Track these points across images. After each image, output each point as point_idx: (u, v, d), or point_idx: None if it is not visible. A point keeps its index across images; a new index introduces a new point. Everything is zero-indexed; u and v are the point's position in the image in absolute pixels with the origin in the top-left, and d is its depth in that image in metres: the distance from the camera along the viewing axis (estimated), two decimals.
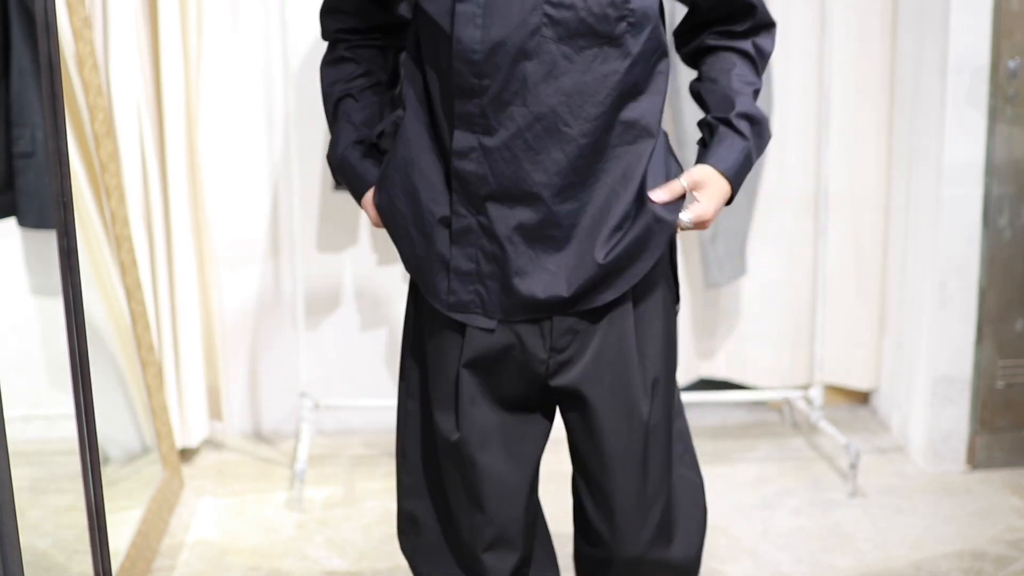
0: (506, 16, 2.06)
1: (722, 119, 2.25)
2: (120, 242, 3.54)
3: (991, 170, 3.77)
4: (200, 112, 3.86)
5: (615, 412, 2.26)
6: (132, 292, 3.58)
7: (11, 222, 3.65)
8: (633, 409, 2.27)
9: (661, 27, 2.18)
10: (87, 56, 3.44)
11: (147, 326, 3.64)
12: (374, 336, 4.33)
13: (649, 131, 2.18)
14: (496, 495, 2.32)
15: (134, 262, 3.60)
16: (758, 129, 2.27)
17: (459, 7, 2.07)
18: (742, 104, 2.25)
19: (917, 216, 4.01)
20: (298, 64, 4.02)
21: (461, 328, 2.22)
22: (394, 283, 4.26)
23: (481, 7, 2.06)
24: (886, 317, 4.34)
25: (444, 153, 2.19)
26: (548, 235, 2.15)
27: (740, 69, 2.29)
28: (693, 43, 2.36)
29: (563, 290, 2.16)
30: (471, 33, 2.06)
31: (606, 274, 2.17)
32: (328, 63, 2.43)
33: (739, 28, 2.31)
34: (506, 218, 2.15)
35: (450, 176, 2.18)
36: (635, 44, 2.11)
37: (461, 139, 2.13)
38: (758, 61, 2.32)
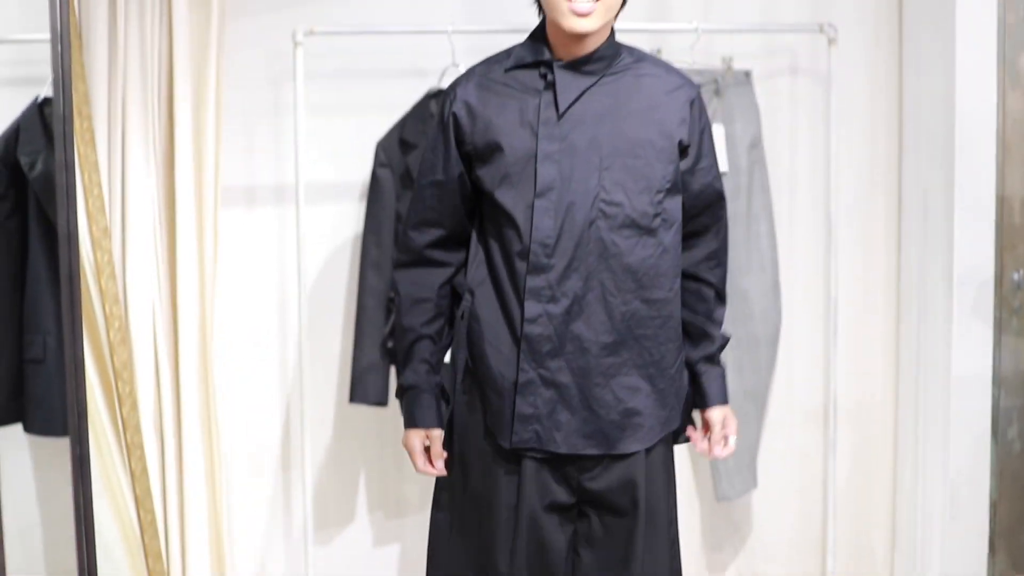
0: (572, 210, 2.60)
1: (707, 357, 2.84)
2: (131, 450, 3.55)
3: (999, 382, 3.80)
4: (214, 323, 3.90)
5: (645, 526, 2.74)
6: (141, 500, 3.57)
7: (17, 428, 3.67)
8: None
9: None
10: (105, 265, 3.50)
11: (155, 535, 3.62)
12: (386, 552, 4.28)
13: (670, 317, 2.73)
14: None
15: (144, 470, 3.59)
16: (724, 347, 2.90)
17: (537, 203, 2.60)
18: (720, 339, 2.86)
19: (926, 427, 4.02)
20: (312, 279, 4.09)
21: (518, 460, 2.68)
22: (406, 499, 4.24)
23: (554, 203, 2.60)
24: (897, 528, 4.30)
25: (510, 321, 2.68)
26: (594, 383, 2.66)
27: (712, 302, 2.86)
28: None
29: (591, 444, 2.68)
30: (547, 223, 2.61)
31: (627, 428, 2.69)
32: (411, 288, 2.81)
33: (709, 252, 2.87)
34: (561, 370, 2.65)
35: (518, 339, 2.65)
36: (666, 236, 2.68)
37: (532, 308, 2.64)
38: (722, 289, 2.90)
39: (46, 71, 3.45)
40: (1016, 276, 3.79)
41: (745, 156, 4.08)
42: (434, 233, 2.77)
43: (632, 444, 2.69)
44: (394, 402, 3.88)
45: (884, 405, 4.32)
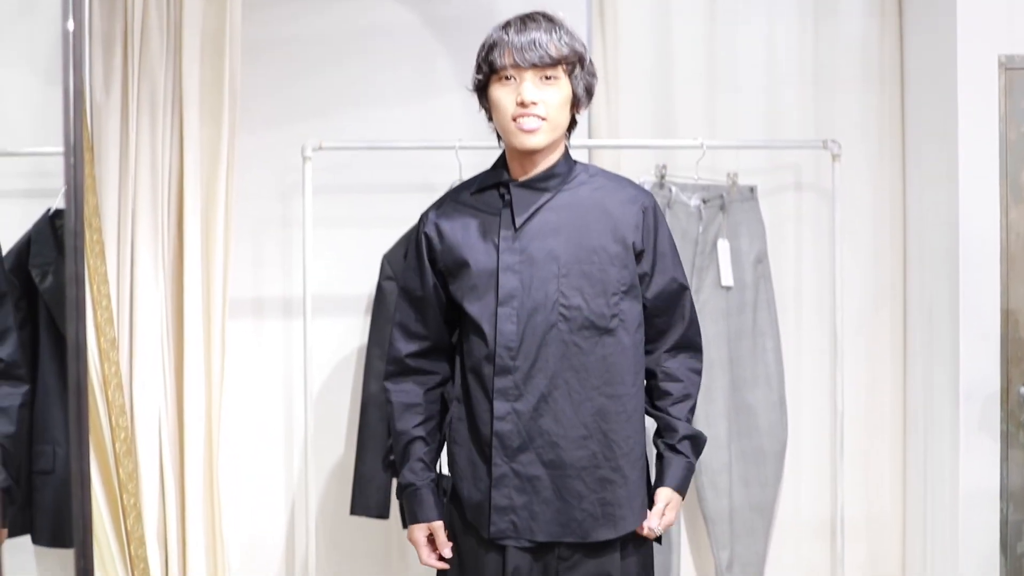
0: (533, 316, 2.79)
1: (670, 446, 2.91)
2: (135, 562, 3.53)
3: (1007, 496, 3.78)
4: (220, 435, 3.90)
5: None
6: None
7: (25, 539, 3.66)
8: None
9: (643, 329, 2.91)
10: (112, 376, 3.52)
11: None
12: None
13: (635, 411, 2.86)
14: None
15: None
16: (696, 444, 2.94)
17: (500, 310, 2.79)
18: (683, 429, 2.92)
19: (935, 542, 3.99)
20: (318, 389, 4.10)
21: (501, 550, 2.81)
22: None
23: (515, 309, 2.79)
24: None
25: (484, 421, 2.83)
26: (567, 475, 2.80)
27: (678, 396, 2.96)
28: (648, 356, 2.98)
29: (567, 532, 2.81)
30: (510, 328, 2.79)
31: (600, 517, 2.82)
32: (401, 395, 2.96)
33: (672, 344, 2.98)
34: (533, 463, 2.80)
35: (491, 437, 2.81)
36: (625, 336, 2.84)
37: (500, 407, 2.80)
38: (691, 383, 3.00)
39: (58, 183, 3.52)
40: (1022, 390, 3.79)
41: (751, 271, 4.11)
42: (417, 344, 2.95)
43: (607, 532, 2.82)
44: (394, 520, 3.87)
45: (892, 519, 4.30)
